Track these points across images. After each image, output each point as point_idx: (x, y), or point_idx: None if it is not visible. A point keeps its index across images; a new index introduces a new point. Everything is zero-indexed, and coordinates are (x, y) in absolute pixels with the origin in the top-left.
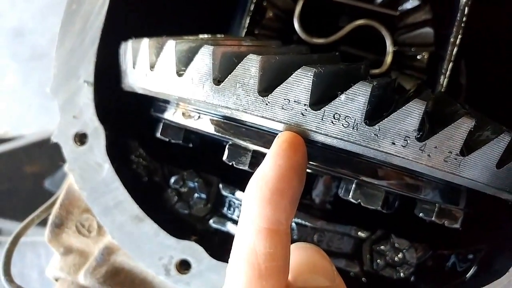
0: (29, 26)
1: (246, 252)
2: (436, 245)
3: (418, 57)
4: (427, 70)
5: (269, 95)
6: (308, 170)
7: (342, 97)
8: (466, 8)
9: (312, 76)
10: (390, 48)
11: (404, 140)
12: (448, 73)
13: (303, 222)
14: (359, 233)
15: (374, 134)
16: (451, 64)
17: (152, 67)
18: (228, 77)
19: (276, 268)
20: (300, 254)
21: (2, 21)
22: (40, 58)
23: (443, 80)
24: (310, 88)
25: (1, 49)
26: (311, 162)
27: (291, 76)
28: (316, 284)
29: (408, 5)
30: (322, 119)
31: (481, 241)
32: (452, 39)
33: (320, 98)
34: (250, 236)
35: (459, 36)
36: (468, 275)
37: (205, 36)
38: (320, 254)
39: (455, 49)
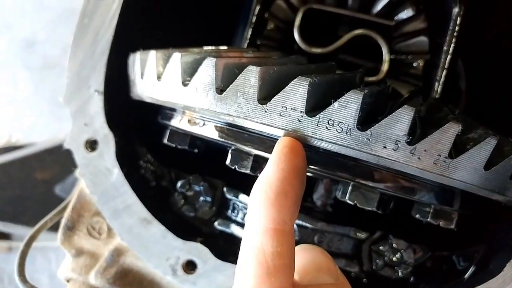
0: (41, 36)
1: (255, 251)
2: (436, 246)
3: (414, 64)
4: (423, 77)
5: (268, 103)
6: (308, 174)
7: (336, 104)
8: (459, 18)
9: (307, 85)
10: (386, 56)
11: (395, 144)
12: (442, 80)
13: (304, 223)
14: (358, 234)
15: (366, 139)
16: (445, 72)
17: (159, 77)
18: (230, 86)
19: (283, 266)
20: (305, 255)
21: (14, 32)
22: (51, 68)
23: (438, 87)
24: (306, 96)
25: (13, 59)
26: (310, 166)
27: (288, 86)
28: (322, 282)
29: (403, 15)
30: (317, 125)
31: (479, 242)
32: (445, 48)
33: (315, 105)
34: (258, 236)
35: (452, 45)
36: (466, 275)
37: (209, 48)
38: (324, 254)
39: (449, 57)
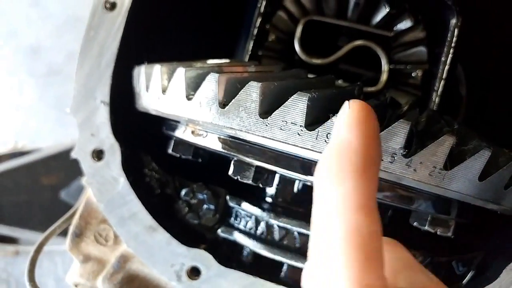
0: (46, 43)
1: (349, 232)
2: (435, 252)
3: (413, 74)
4: (422, 86)
5: (269, 117)
6: (309, 183)
7: (334, 119)
8: (456, 30)
9: (306, 100)
10: (385, 67)
11: (392, 156)
12: (440, 90)
13: (305, 231)
14: None
15: None
16: (442, 82)
17: (164, 91)
18: (232, 101)
19: (381, 248)
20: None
21: (20, 39)
22: (56, 74)
23: (435, 97)
24: (305, 111)
25: (19, 65)
26: (312, 177)
27: (288, 101)
28: (420, 283)
29: (402, 26)
30: (316, 139)
31: (477, 248)
32: (443, 58)
33: (315, 119)
34: (351, 215)
35: (450, 56)
36: (464, 281)
37: (213, 61)
38: (406, 249)
39: (446, 68)
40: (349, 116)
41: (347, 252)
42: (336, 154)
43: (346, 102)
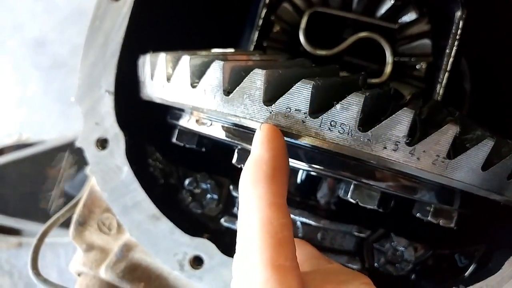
0: (50, 37)
1: (263, 224)
2: (438, 244)
3: (417, 67)
4: (426, 79)
5: (273, 105)
6: (312, 173)
7: (338, 106)
8: (461, 22)
9: (311, 88)
10: (389, 59)
11: (395, 144)
12: (444, 82)
13: (308, 221)
14: (361, 232)
15: (367, 140)
16: (447, 74)
17: (168, 79)
18: (237, 89)
19: (291, 237)
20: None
21: (24, 32)
22: (60, 67)
23: (439, 89)
24: (309, 99)
25: (23, 59)
26: (314, 166)
27: (293, 88)
28: (323, 266)
29: (406, 18)
30: (320, 126)
31: (480, 240)
32: (447, 51)
33: (319, 107)
34: (263, 210)
35: (454, 48)
36: (467, 273)
37: (217, 51)
38: (308, 243)
39: (451, 60)
40: (260, 135)
41: (261, 238)
42: (251, 165)
43: (258, 125)
